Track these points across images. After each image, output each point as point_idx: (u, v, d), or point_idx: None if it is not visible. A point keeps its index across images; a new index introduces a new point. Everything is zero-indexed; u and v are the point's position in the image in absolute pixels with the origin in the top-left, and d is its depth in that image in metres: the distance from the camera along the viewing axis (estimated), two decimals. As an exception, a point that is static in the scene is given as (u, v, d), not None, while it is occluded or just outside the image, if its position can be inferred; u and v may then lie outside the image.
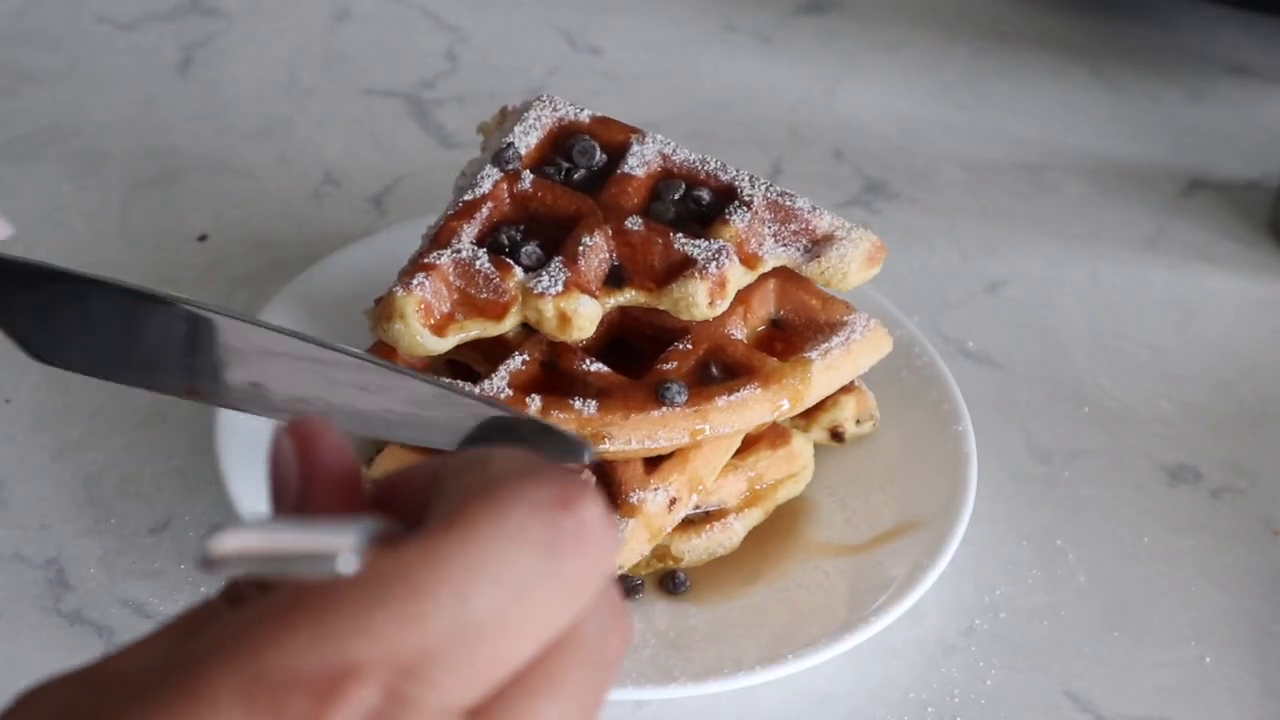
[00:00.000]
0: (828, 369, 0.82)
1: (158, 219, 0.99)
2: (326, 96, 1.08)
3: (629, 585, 0.81)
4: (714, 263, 0.79)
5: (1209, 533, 0.87)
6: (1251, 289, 1.00)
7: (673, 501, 0.79)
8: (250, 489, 0.81)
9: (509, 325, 0.79)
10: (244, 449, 0.82)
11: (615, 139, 0.84)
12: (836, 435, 0.86)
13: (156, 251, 0.97)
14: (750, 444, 0.83)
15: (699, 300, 0.79)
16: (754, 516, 0.83)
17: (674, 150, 0.84)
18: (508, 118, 0.86)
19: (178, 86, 1.08)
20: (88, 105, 1.06)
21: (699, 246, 0.79)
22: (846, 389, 0.86)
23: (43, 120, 1.05)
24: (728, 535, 0.82)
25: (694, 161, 0.84)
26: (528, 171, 0.83)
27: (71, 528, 0.84)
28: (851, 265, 0.82)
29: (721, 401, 0.79)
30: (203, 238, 0.98)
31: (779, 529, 0.84)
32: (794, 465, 0.84)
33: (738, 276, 0.80)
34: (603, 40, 1.14)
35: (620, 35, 1.14)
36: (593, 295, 0.79)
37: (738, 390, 0.80)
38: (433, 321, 0.78)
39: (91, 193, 1.01)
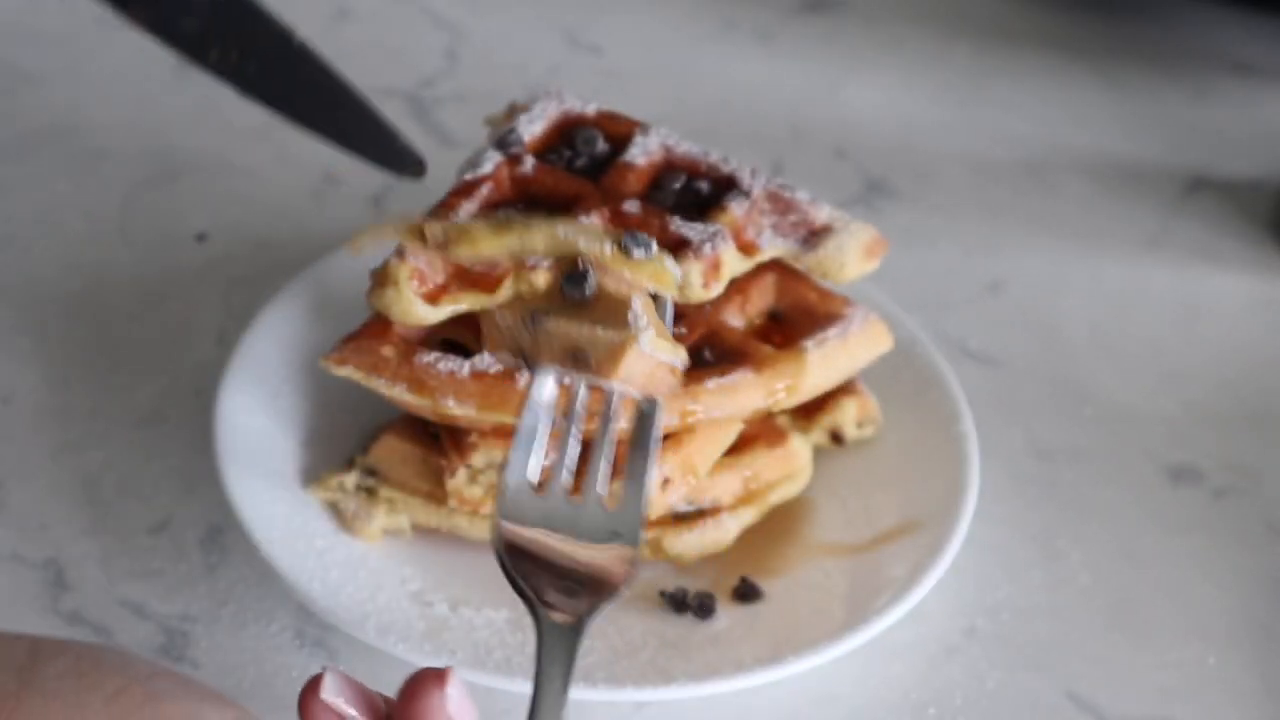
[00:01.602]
0: (824, 359, 0.82)
1: (156, 218, 0.99)
2: (326, 95, 1.08)
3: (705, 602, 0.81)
4: (708, 244, 0.79)
5: (1212, 533, 0.87)
6: (1254, 288, 1.00)
7: (665, 481, 0.79)
8: (249, 490, 0.81)
9: (502, 299, 0.79)
10: (243, 449, 0.82)
11: (619, 131, 0.85)
12: (837, 438, 0.86)
13: (155, 251, 0.97)
14: (747, 442, 0.83)
15: (693, 281, 0.79)
16: (748, 515, 0.83)
17: (676, 142, 0.84)
18: (516, 111, 0.86)
19: (176, 85, 1.08)
20: (86, 104, 1.06)
21: (695, 229, 0.80)
22: (848, 391, 0.86)
23: (40, 119, 1.05)
24: (721, 532, 0.82)
25: (696, 154, 0.84)
26: (530, 156, 0.83)
27: (70, 528, 0.83)
28: (849, 257, 0.82)
29: (712, 384, 0.79)
30: (201, 237, 0.98)
31: (779, 529, 0.84)
32: (791, 466, 0.84)
33: (733, 260, 0.80)
34: (603, 38, 1.14)
35: (620, 33, 1.14)
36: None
37: (730, 373, 0.80)
38: (426, 290, 0.78)
39: (90, 192, 1.00)
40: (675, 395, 0.79)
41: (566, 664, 0.65)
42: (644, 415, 0.71)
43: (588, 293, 0.71)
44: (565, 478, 0.70)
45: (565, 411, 0.72)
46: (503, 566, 0.68)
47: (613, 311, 0.72)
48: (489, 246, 0.73)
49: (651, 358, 0.71)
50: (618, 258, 0.71)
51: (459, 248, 0.73)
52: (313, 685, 0.61)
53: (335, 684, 0.62)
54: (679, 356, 0.71)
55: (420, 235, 0.74)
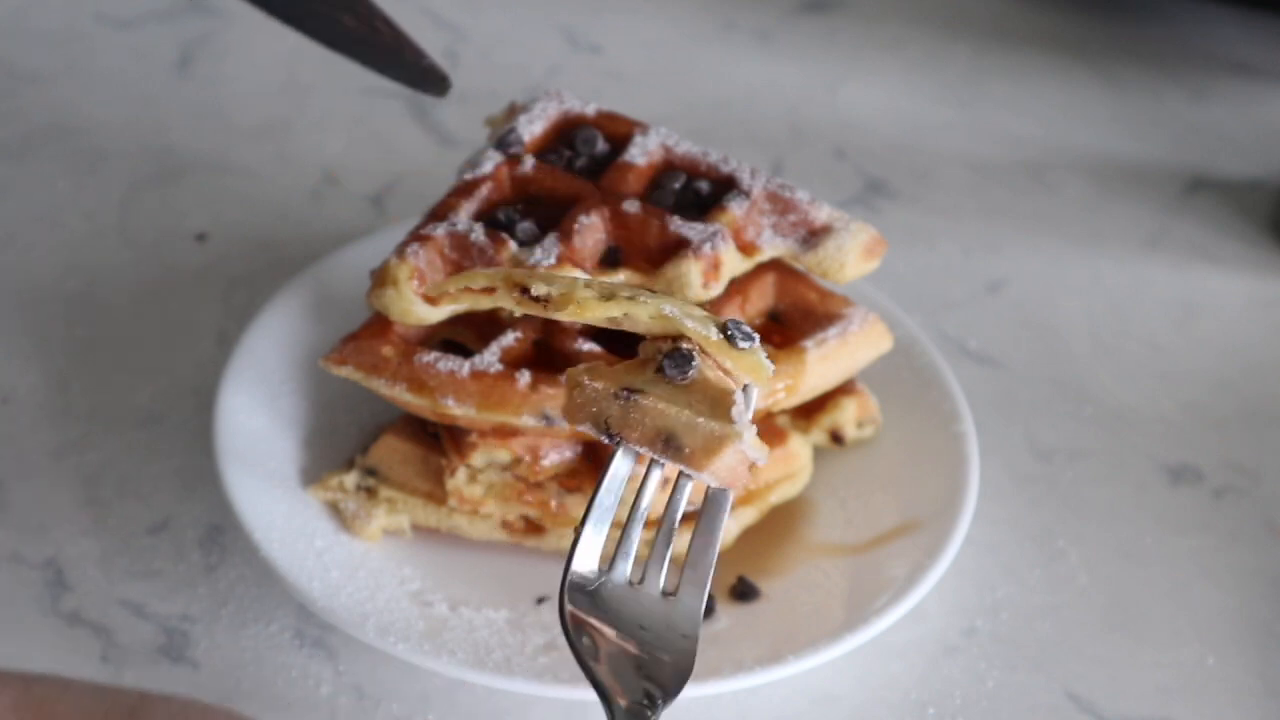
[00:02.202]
0: (823, 359, 0.82)
1: (156, 218, 0.99)
2: (325, 95, 1.08)
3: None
4: (708, 244, 0.79)
5: (1211, 533, 0.87)
6: (1254, 288, 1.00)
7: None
8: (249, 490, 0.81)
9: (501, 301, 0.79)
10: (242, 450, 0.82)
11: (619, 131, 0.85)
12: (837, 438, 0.86)
13: (155, 251, 0.97)
14: (748, 443, 0.83)
15: (693, 281, 0.79)
16: (749, 515, 0.83)
17: (676, 143, 0.84)
18: (516, 111, 0.87)
19: (176, 86, 1.08)
20: (86, 104, 1.06)
21: (694, 229, 0.80)
22: (848, 391, 0.86)
23: (41, 119, 1.05)
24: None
25: (695, 154, 0.84)
26: (529, 156, 0.83)
27: (70, 528, 0.83)
28: (849, 257, 0.82)
29: None
30: (201, 237, 0.98)
31: (780, 529, 0.84)
32: (791, 466, 0.84)
33: (733, 260, 0.80)
34: (603, 39, 1.14)
35: (620, 34, 1.14)
36: (585, 271, 0.79)
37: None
38: (425, 290, 0.78)
39: (90, 192, 1.01)
40: None
41: None
42: (712, 502, 0.69)
43: (690, 376, 0.69)
44: (629, 564, 0.70)
45: (635, 494, 0.70)
46: (574, 652, 0.68)
47: (713, 400, 0.69)
48: (592, 313, 0.70)
49: (744, 455, 0.69)
50: (723, 345, 0.69)
51: (561, 310, 0.70)
52: None
53: None
54: (764, 455, 0.70)
55: (521, 288, 0.71)
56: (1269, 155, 1.07)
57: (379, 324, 0.81)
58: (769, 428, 0.84)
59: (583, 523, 0.69)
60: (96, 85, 1.07)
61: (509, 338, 0.80)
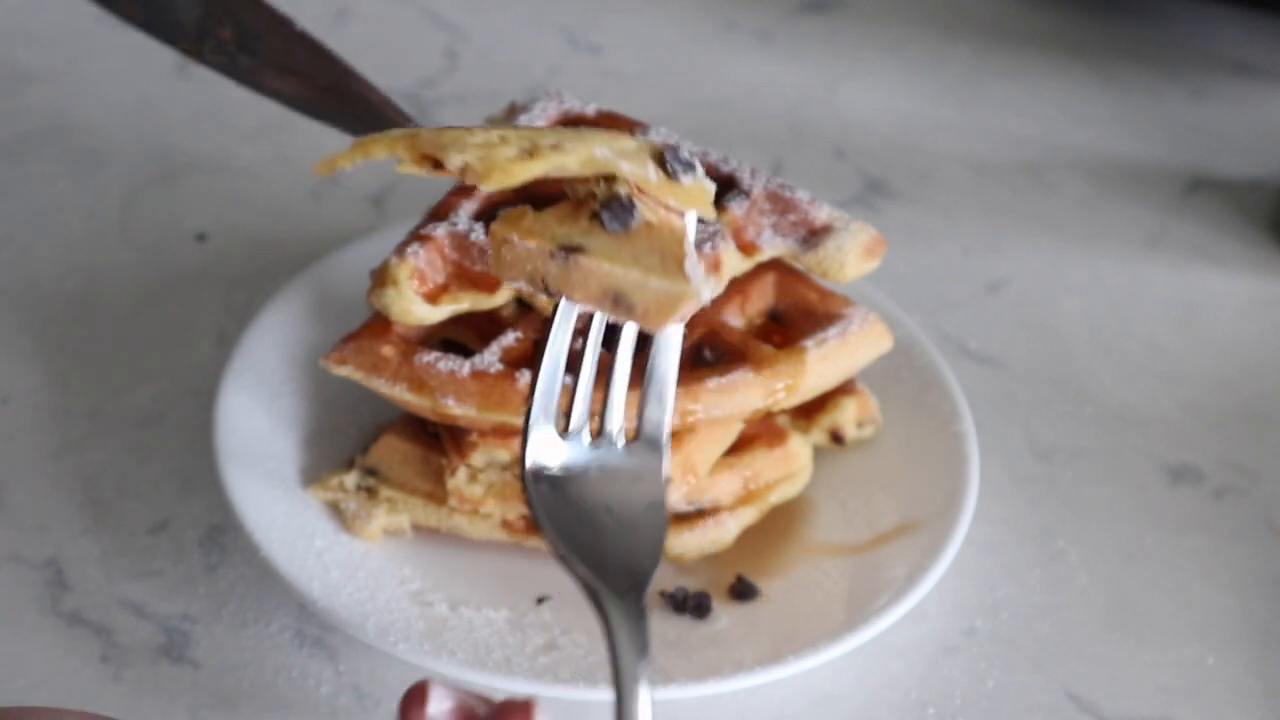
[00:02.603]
0: (823, 358, 0.82)
1: (156, 218, 0.99)
2: (326, 95, 1.08)
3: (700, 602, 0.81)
4: (708, 244, 0.79)
5: (1211, 533, 0.87)
6: (1254, 288, 1.00)
7: (665, 481, 0.79)
8: (249, 490, 0.81)
9: (502, 299, 0.79)
10: (243, 449, 0.82)
11: (619, 130, 0.85)
12: (837, 438, 0.86)
13: (155, 251, 0.97)
14: (747, 442, 0.83)
15: None
16: (748, 515, 0.83)
17: (676, 142, 0.84)
18: (516, 111, 0.87)
19: (176, 86, 1.08)
20: (86, 104, 1.06)
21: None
22: (848, 391, 0.86)
23: (41, 119, 1.05)
24: (721, 532, 0.82)
25: (696, 153, 0.84)
26: None
27: (70, 528, 0.83)
28: (849, 257, 0.82)
29: (712, 384, 0.79)
30: (201, 237, 0.98)
31: (779, 529, 0.84)
32: (791, 466, 0.84)
33: (733, 260, 0.80)
34: (603, 39, 1.14)
35: (620, 33, 1.14)
36: None
37: (729, 373, 0.80)
38: (425, 290, 0.78)
39: (90, 192, 1.01)
40: (675, 395, 0.79)
41: (640, 636, 0.61)
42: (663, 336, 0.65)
43: (633, 226, 0.62)
44: (585, 419, 0.67)
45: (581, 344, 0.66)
46: (554, 551, 0.64)
47: (661, 251, 0.62)
48: (518, 177, 0.62)
49: (700, 302, 0.63)
50: (664, 183, 0.62)
51: (486, 181, 0.62)
52: (418, 698, 0.61)
53: (441, 696, 0.61)
54: (718, 288, 0.63)
55: (432, 161, 0.63)
56: (1269, 155, 1.07)
57: (379, 324, 0.81)
58: (769, 428, 0.84)
59: (531, 390, 0.65)
60: (96, 85, 1.07)
61: (509, 338, 0.80)
